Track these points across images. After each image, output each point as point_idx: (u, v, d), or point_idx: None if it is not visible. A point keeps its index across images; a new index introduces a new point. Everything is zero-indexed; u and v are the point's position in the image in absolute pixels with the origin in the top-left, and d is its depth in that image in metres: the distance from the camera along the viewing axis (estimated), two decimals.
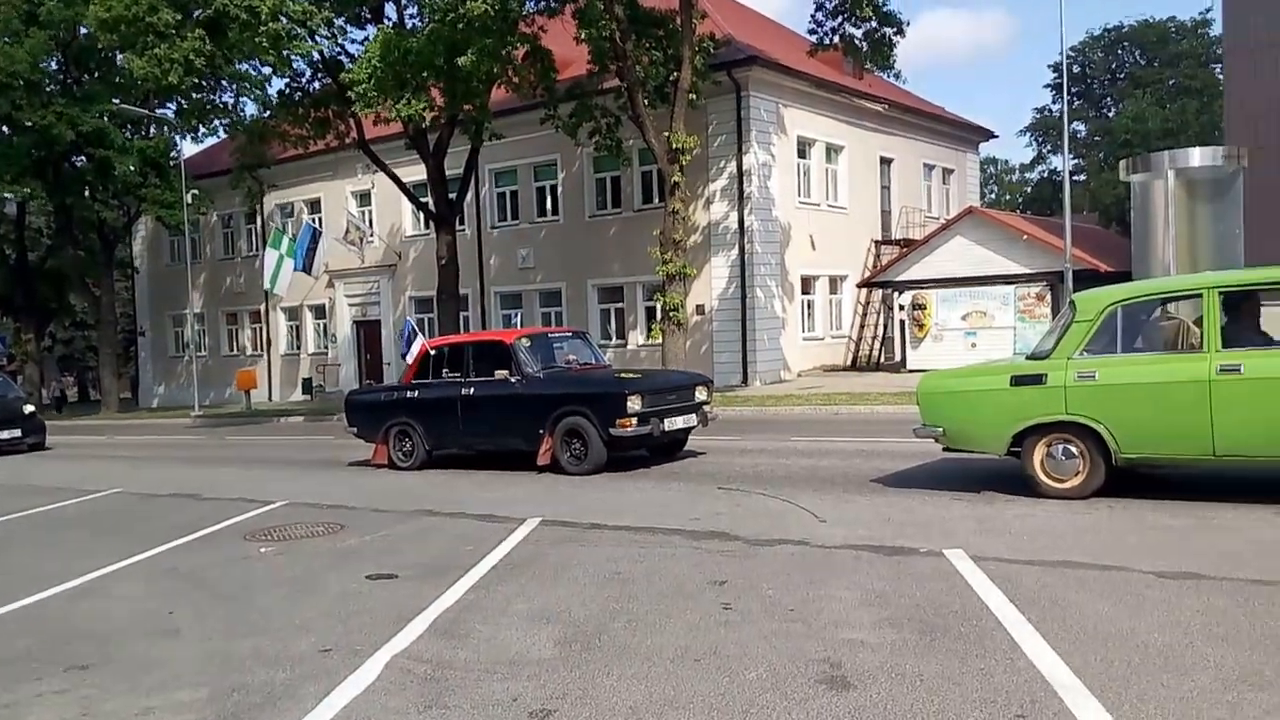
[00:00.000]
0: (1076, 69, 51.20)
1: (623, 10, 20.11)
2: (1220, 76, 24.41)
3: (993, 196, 58.25)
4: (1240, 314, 7.28)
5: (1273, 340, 7.36)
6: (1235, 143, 18.93)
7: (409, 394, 12.69)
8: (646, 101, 20.84)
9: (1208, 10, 47.23)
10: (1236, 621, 4.53)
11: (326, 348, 33.64)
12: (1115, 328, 7.50)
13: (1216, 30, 27.25)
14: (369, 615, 5.73)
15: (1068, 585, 5.30)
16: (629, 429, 10.63)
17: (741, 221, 23.71)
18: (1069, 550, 6.05)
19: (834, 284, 27.14)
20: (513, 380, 11.55)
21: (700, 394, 11.84)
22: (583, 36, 20.44)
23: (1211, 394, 6.88)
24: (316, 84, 25.33)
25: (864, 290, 27.29)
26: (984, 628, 4.70)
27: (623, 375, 12.13)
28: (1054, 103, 52.13)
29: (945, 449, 8.56)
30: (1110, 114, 52.20)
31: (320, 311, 33.87)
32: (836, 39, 21.59)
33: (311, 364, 33.41)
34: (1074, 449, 7.54)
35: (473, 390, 11.93)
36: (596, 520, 8.11)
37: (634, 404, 10.69)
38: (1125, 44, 52.39)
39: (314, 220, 31.24)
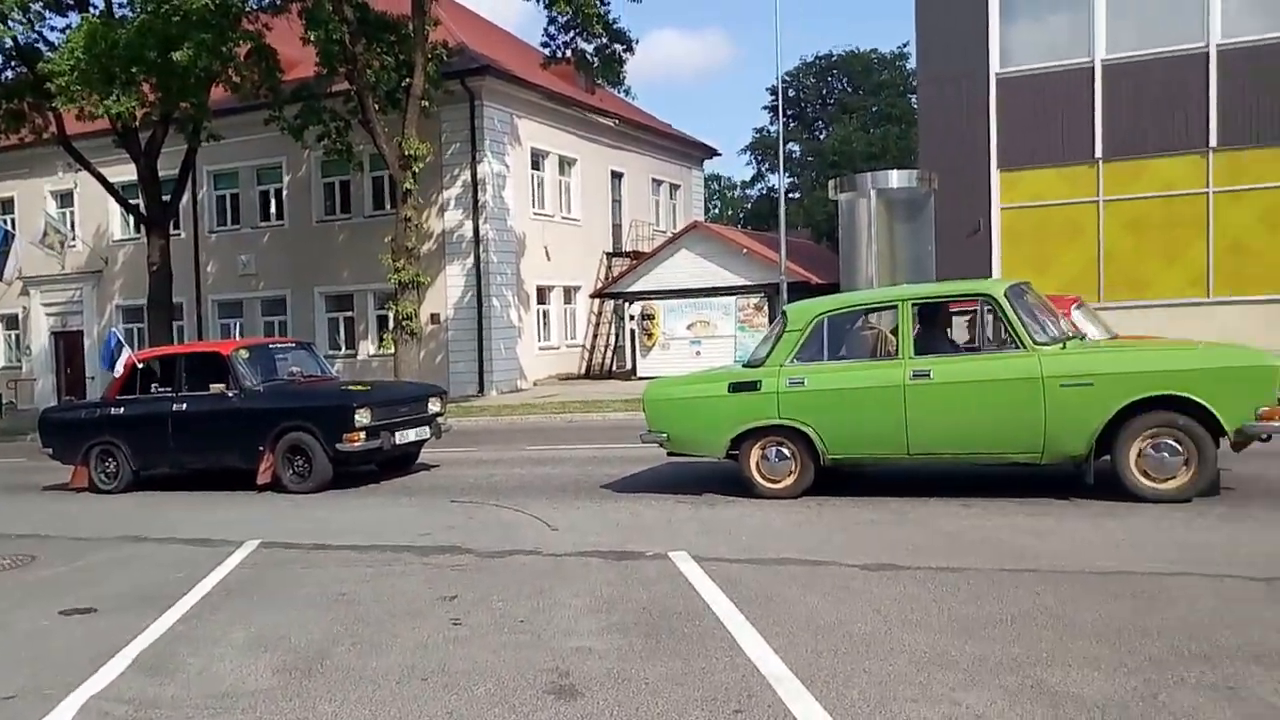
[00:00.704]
0: (792, 93, 54.93)
1: (353, 12, 19.39)
2: (916, 105, 26.97)
3: (716, 211, 61.24)
4: (931, 324, 8.01)
5: (960, 348, 8.15)
6: (928, 167, 20.96)
7: (113, 410, 11.63)
8: (378, 106, 20.20)
9: (904, 45, 52.16)
10: (928, 608, 4.94)
11: (19, 361, 30.16)
12: (822, 337, 8.08)
13: (913, 63, 30.17)
14: (62, 655, 5.13)
15: (783, 581, 5.59)
16: (357, 444, 10.20)
17: (476, 230, 23.51)
18: (784, 548, 6.39)
19: (568, 294, 27.50)
20: (230, 394, 10.79)
21: (434, 405, 11.57)
22: (310, 37, 19.51)
23: (905, 398, 7.52)
24: (9, 73, 22.68)
25: (597, 300, 27.84)
26: (706, 627, 4.85)
27: (351, 387, 11.65)
28: (771, 124, 55.58)
29: (670, 453, 8.87)
30: (822, 136, 56.41)
31: (12, 322, 30.39)
32: (568, 53, 21.90)
33: (1, 379, 29.75)
34: (786, 451, 8.02)
35: (186, 406, 11.06)
36: (321, 540, 7.69)
37: (362, 417, 10.27)
38: (835, 71, 56.83)
39: (6, 222, 27.83)
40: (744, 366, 8.62)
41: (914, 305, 7.79)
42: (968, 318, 9.00)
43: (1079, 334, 7.93)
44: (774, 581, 5.60)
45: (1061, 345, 7.41)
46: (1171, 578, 5.16)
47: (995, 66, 21.13)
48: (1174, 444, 6.87)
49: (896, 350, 7.82)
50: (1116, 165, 20.33)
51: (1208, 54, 19.54)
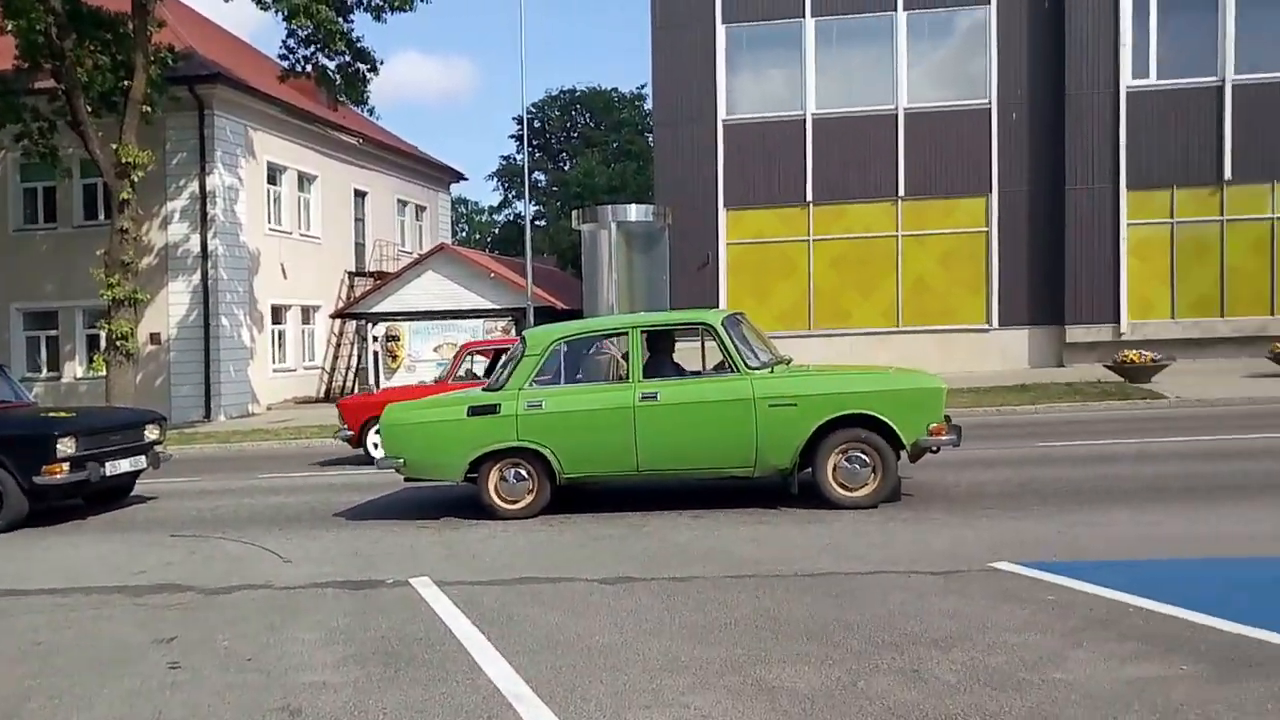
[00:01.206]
0: (537, 124, 55.66)
1: (61, 4, 17.76)
2: (652, 144, 28.33)
3: (464, 235, 60.85)
4: (658, 349, 8.55)
5: (685, 372, 8.67)
6: (663, 203, 22.09)
7: None
8: (91, 109, 18.57)
9: (642, 87, 54.19)
10: (661, 617, 5.20)
11: None
12: (559, 361, 8.42)
13: (650, 105, 31.65)
14: None
15: (524, 601, 5.68)
16: (59, 476, 9.27)
17: (204, 245, 22.09)
18: (526, 567, 6.50)
19: (307, 314, 26.38)
20: None
21: (151, 433, 10.72)
22: (9, 27, 17.65)
23: (635, 419, 7.95)
24: None
25: (338, 321, 26.89)
26: (447, 651, 4.86)
27: (52, 414, 10.62)
28: (517, 153, 56.04)
29: (407, 479, 8.78)
30: (566, 167, 57.50)
31: None
32: (309, 68, 21.13)
33: None
34: (524, 472, 8.21)
35: None
36: (12, 585, 6.95)
37: (66, 447, 9.37)
38: (578, 106, 58.15)
39: None
40: (483, 390, 8.72)
41: (643, 332, 8.31)
42: (693, 343, 9.54)
43: (786, 359, 8.63)
44: (516, 601, 5.68)
45: (770, 370, 8.11)
46: (868, 576, 5.74)
47: (722, 114, 22.74)
48: (863, 456, 7.73)
49: (628, 374, 8.22)
50: (824, 209, 22.52)
51: (896, 116, 22.10)
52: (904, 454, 7.80)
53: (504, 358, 9.49)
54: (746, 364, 7.98)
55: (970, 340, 21.78)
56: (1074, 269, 21.32)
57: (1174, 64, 21.08)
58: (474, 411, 8.28)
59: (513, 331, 23.55)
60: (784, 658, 4.45)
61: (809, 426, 7.71)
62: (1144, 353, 17.19)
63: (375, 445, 11.25)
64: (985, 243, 22.07)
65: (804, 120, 22.49)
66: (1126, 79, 21.03)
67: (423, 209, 33.49)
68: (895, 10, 22.17)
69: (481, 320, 23.92)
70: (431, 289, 24.41)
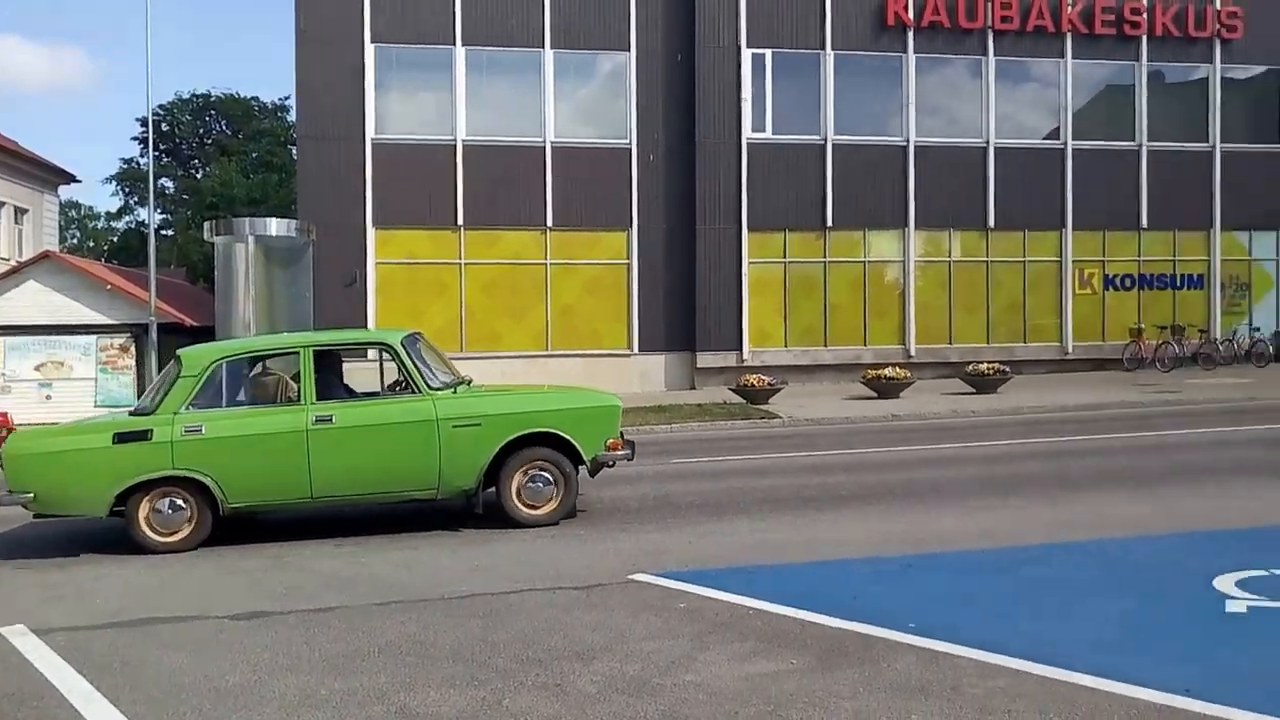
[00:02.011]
0: (165, 127, 51.02)
1: None
2: (296, 157, 27.04)
3: (75, 242, 54.37)
4: (327, 370, 8.15)
5: (357, 394, 8.36)
6: (306, 218, 21.15)
7: None
8: None
9: (286, 98, 51.58)
10: (299, 650, 4.96)
11: None
12: (220, 383, 7.86)
13: (294, 117, 30.20)
14: None
15: (145, 643, 5.18)
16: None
17: None
18: (147, 607, 5.93)
19: None
20: None
21: None
22: None
23: (309, 443, 7.58)
24: None
25: None
26: (46, 709, 4.31)
27: None
28: (142, 156, 51.07)
29: (36, 515, 7.78)
30: (199, 175, 53.21)
31: None
32: None
33: None
34: (181, 502, 7.57)
35: None
36: None
37: None
38: (213, 111, 54.05)
39: None
40: (130, 415, 7.99)
41: (315, 352, 7.91)
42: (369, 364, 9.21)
43: (467, 380, 8.60)
44: (135, 644, 5.16)
45: (453, 390, 8.07)
46: (515, 595, 5.86)
47: (371, 132, 22.31)
48: (546, 475, 7.90)
49: (299, 396, 7.81)
50: (475, 233, 22.76)
51: (544, 149, 22.96)
52: (583, 469, 8.08)
53: (155, 380, 8.50)
54: (428, 384, 7.84)
55: (613, 364, 22.90)
56: (704, 301, 23.16)
57: (786, 121, 23.68)
58: (121, 438, 7.52)
59: (132, 349, 21.38)
60: (430, 682, 4.42)
61: (494, 446, 7.72)
62: (762, 377, 19.03)
63: None
64: (627, 274, 23.36)
65: (455, 145, 22.58)
66: (747, 131, 23.29)
67: (24, 211, 29.45)
68: (543, 48, 22.95)
69: (95, 337, 21.46)
70: (34, 301, 21.55)
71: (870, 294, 24.04)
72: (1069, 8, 24.22)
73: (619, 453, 8.12)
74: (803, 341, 23.77)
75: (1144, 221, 24.88)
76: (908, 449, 12.25)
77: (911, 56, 23.89)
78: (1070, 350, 24.65)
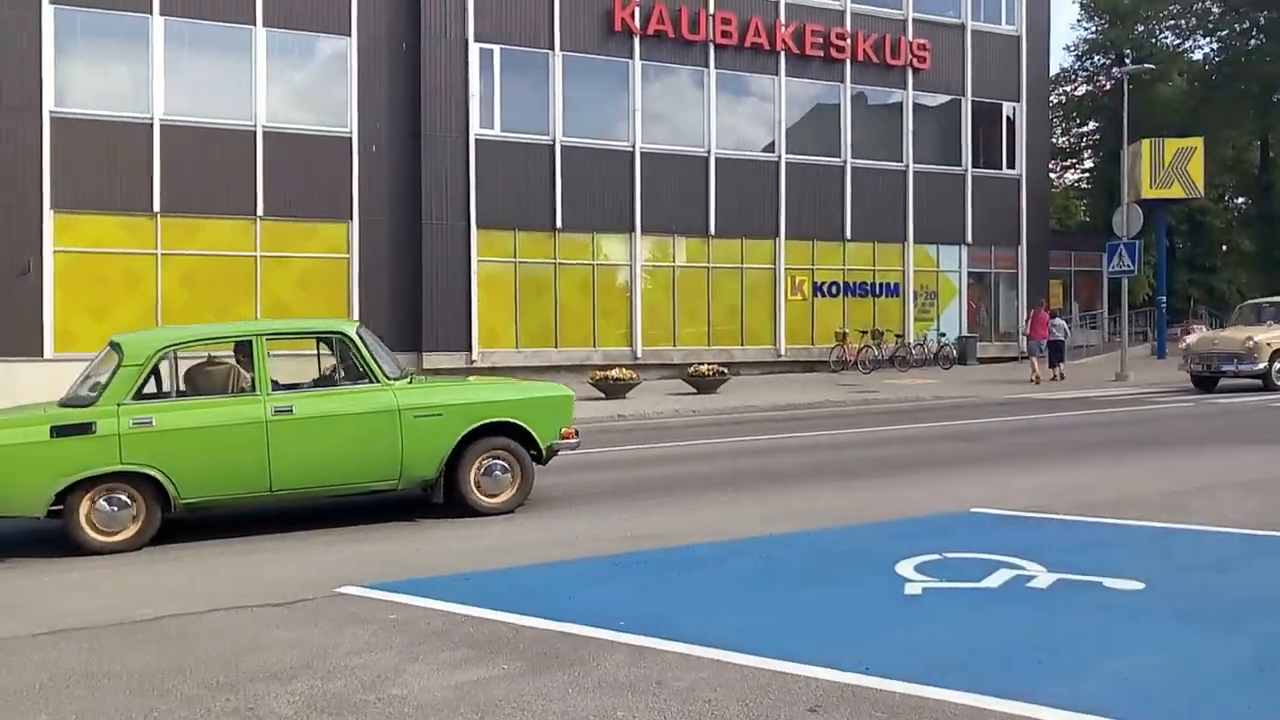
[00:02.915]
0: None
1: None
2: None
3: None
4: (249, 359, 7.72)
5: (313, 383, 8.30)
6: None
7: None
8: None
9: None
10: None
11: None
12: (167, 372, 7.76)
13: None
14: None
15: None
16: None
17: None
18: None
19: None
20: None
21: None
22: None
23: (268, 434, 7.32)
24: None
25: None
26: None
27: None
28: None
29: None
30: None
31: None
32: None
33: None
34: (127, 498, 7.14)
35: None
36: None
37: None
38: None
39: None
40: (61, 406, 7.33)
41: (269, 340, 7.69)
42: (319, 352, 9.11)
43: (412, 371, 8.47)
44: None
45: (409, 380, 8.06)
46: (210, 615, 5.35)
47: (50, 104, 19.99)
48: (504, 464, 8.03)
49: (252, 385, 7.51)
50: (174, 221, 20.99)
51: (255, 133, 21.56)
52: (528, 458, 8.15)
53: (85, 370, 7.86)
54: (386, 374, 7.77)
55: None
56: (431, 299, 22.65)
57: (516, 119, 23.66)
58: (60, 431, 7.00)
59: None
60: (102, 714, 3.93)
61: (455, 436, 7.78)
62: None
63: None
64: (347, 269, 22.39)
65: (151, 124, 20.66)
66: (476, 127, 23.05)
67: None
68: (254, 25, 21.52)
69: None
70: None
71: (600, 296, 24.53)
72: (782, 28, 25.90)
73: (571, 441, 8.39)
74: (534, 342, 23.86)
75: (848, 233, 27.07)
76: (630, 448, 12.52)
77: (638, 63, 24.63)
78: (783, 353, 26.37)
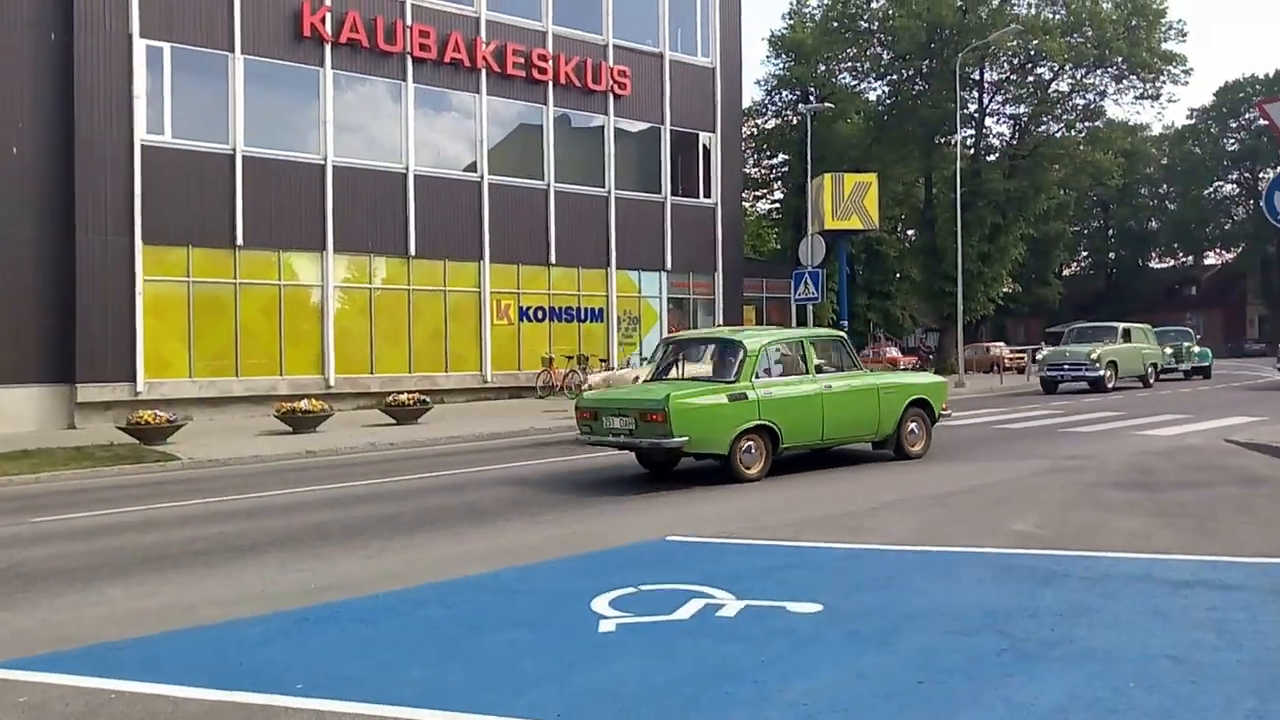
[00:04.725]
0: None
1: None
2: None
3: None
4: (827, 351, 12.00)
5: (820, 369, 11.53)
6: None
7: None
8: None
9: None
10: None
11: None
12: (768, 360, 11.24)
13: None
14: None
15: None
16: None
17: None
18: None
19: None
20: None
21: None
22: None
23: (823, 402, 11.12)
24: None
25: None
26: None
27: None
28: None
29: (692, 454, 10.64)
30: None
31: None
32: None
33: None
34: (755, 445, 10.56)
35: None
36: None
37: None
38: None
39: None
40: (713, 383, 10.77)
41: (811, 340, 11.65)
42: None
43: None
44: None
45: (871, 370, 12.80)
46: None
47: None
48: (918, 425, 12.11)
49: (805, 369, 11.22)
50: None
51: None
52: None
53: (716, 355, 11.34)
54: (858, 365, 12.24)
55: None
56: (86, 323, 20.18)
57: (190, 126, 21.70)
58: (732, 398, 10.39)
59: None
60: None
61: (902, 405, 11.86)
62: (159, 413, 16.93)
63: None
64: None
65: None
66: (142, 132, 20.88)
67: None
68: None
69: None
70: None
71: (287, 319, 23.01)
72: (483, 45, 25.70)
73: (947, 412, 12.73)
74: (211, 371, 21.90)
75: (553, 257, 27.26)
76: (320, 488, 11.64)
77: (329, 72, 23.48)
78: (489, 378, 26.04)
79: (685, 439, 10.00)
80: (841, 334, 12.53)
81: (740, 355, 10.65)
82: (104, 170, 20.45)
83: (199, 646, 5.28)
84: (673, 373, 11.58)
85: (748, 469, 10.41)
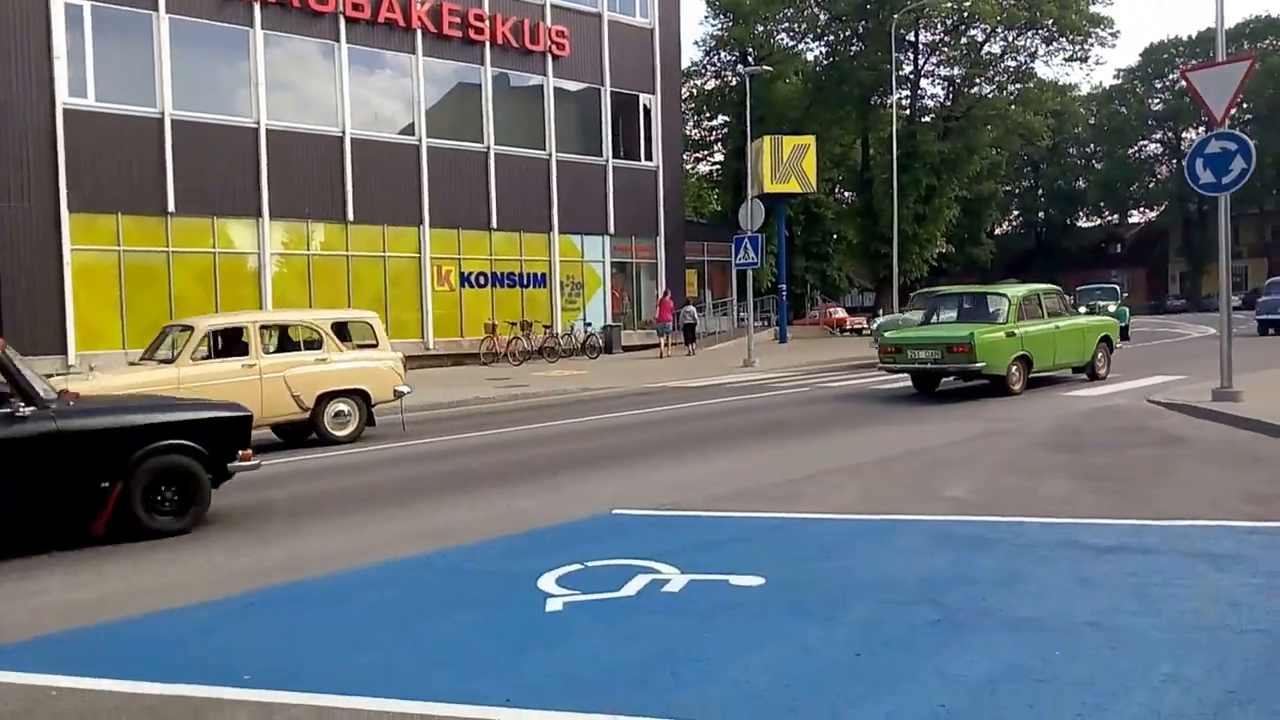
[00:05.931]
0: None
1: None
2: None
3: None
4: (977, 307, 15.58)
5: (995, 316, 14.96)
6: None
7: None
8: None
9: None
10: None
11: None
12: (1021, 307, 15.04)
13: None
14: None
15: None
16: None
17: None
18: None
19: None
20: None
21: None
22: None
23: (1055, 337, 15.07)
24: None
25: None
26: None
27: None
28: None
29: (987, 377, 14.52)
30: None
31: None
32: None
33: None
34: (1018, 371, 14.67)
35: None
36: None
37: None
38: None
39: None
40: (983, 325, 14.56)
41: (1045, 293, 15.73)
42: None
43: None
44: None
45: (1064, 312, 16.21)
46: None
47: None
48: (1103, 355, 16.20)
49: (1042, 314, 15.17)
50: None
51: None
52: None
53: (985, 306, 15.08)
54: (1073, 308, 16.95)
55: None
56: (12, 295, 19.58)
57: (114, 88, 21.01)
58: (1007, 334, 14.29)
59: None
60: None
61: (1096, 339, 15.93)
62: None
63: None
64: None
65: None
66: (63, 95, 20.19)
67: None
68: None
69: None
70: None
71: (223, 287, 22.59)
72: (418, 5, 25.17)
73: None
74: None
75: (494, 222, 27.01)
76: (253, 464, 11.41)
77: (259, 32, 22.87)
78: (432, 346, 25.84)
79: (984, 364, 13.91)
80: (1058, 288, 16.38)
81: (1006, 304, 14.68)
82: (24, 136, 19.75)
83: (147, 634, 5.20)
84: (936, 318, 15.64)
85: (1014, 386, 14.42)
